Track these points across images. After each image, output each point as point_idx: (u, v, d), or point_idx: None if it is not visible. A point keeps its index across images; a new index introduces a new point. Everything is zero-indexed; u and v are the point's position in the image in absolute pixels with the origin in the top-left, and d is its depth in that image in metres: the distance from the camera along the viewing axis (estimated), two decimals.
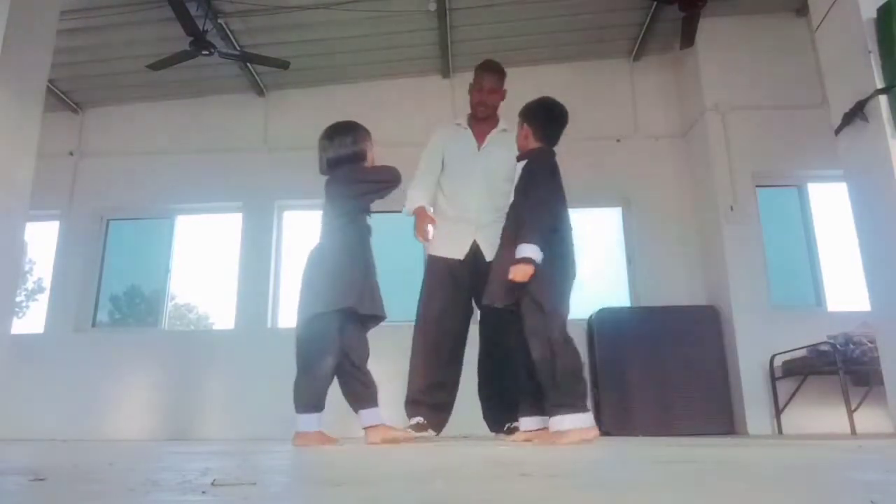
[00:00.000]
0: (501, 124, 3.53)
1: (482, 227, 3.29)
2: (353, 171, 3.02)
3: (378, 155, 7.11)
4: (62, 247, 6.09)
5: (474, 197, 3.33)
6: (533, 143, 3.02)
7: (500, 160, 3.34)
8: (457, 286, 3.29)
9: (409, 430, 3.11)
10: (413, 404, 3.24)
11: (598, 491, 1.02)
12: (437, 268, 3.34)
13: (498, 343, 3.21)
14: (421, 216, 3.26)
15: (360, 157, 3.07)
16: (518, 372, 2.84)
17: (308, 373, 2.83)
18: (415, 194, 3.37)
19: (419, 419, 3.16)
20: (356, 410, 2.85)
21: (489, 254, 3.13)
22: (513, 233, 2.81)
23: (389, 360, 5.26)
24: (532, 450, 2.27)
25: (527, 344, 2.69)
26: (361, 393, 2.85)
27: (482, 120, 3.51)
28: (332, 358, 2.84)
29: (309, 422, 2.78)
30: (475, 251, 3.28)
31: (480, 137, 3.47)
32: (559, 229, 2.83)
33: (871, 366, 3.98)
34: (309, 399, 2.80)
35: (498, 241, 2.97)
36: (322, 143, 3.10)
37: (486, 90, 3.48)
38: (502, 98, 3.55)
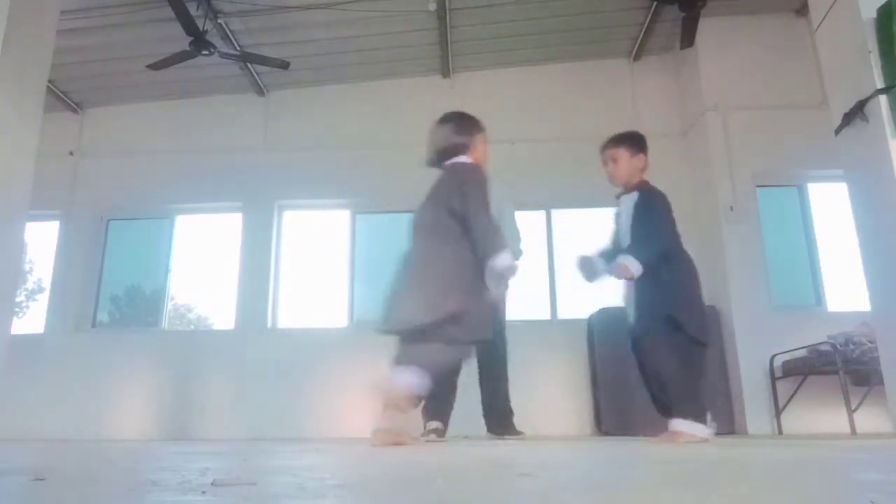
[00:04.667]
0: None
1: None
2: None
3: (377, 155, 7.03)
4: (62, 247, 6.09)
5: None
6: (641, 175, 3.10)
7: None
8: None
9: (430, 432, 3.49)
10: (431, 410, 3.55)
11: (599, 491, 1.02)
12: None
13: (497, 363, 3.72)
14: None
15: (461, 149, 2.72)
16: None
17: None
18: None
19: (439, 424, 3.51)
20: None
21: (491, 287, 3.50)
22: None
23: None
24: (532, 450, 2.27)
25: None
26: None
27: None
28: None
29: None
30: None
31: None
32: (671, 259, 2.96)
33: (871, 366, 3.98)
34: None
35: None
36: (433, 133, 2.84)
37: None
38: None
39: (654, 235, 2.93)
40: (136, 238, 6.41)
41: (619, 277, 2.87)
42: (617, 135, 3.16)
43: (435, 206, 2.54)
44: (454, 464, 1.63)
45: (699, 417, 2.79)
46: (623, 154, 3.08)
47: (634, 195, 3.03)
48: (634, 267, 2.83)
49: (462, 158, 2.67)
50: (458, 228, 2.47)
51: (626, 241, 2.97)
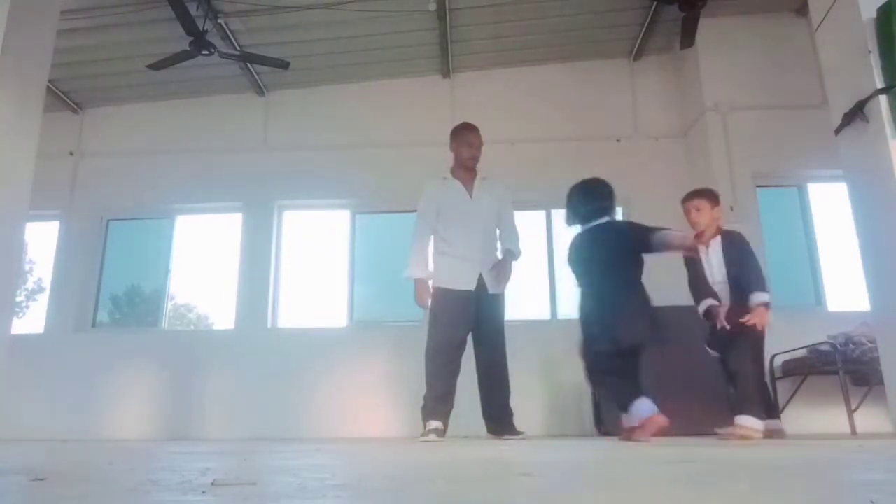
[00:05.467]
0: (481, 174, 3.99)
1: (484, 263, 3.78)
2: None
3: (378, 155, 7.07)
4: (62, 247, 6.09)
5: (475, 239, 3.82)
6: (718, 222, 3.61)
7: (489, 205, 3.91)
8: (465, 313, 3.70)
9: (430, 432, 3.53)
10: (431, 410, 3.62)
11: (599, 491, 1.02)
12: (448, 299, 3.73)
13: (497, 363, 3.76)
14: (422, 288, 3.76)
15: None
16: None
17: None
18: (417, 260, 3.80)
19: (439, 424, 3.56)
20: None
21: (491, 286, 3.75)
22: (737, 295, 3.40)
23: (391, 360, 5.27)
24: (532, 450, 2.27)
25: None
26: None
27: (467, 171, 3.95)
28: None
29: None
30: (481, 283, 3.75)
31: (468, 186, 3.93)
32: None
33: (871, 366, 3.98)
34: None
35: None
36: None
37: (476, 146, 3.94)
38: None
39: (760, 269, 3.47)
40: (136, 238, 6.41)
41: (761, 321, 3.25)
42: (699, 190, 3.72)
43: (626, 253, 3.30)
44: (454, 464, 1.63)
45: (760, 414, 3.20)
46: (706, 205, 3.59)
47: (718, 238, 3.54)
48: (768, 299, 3.30)
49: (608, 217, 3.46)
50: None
51: (719, 276, 3.49)
